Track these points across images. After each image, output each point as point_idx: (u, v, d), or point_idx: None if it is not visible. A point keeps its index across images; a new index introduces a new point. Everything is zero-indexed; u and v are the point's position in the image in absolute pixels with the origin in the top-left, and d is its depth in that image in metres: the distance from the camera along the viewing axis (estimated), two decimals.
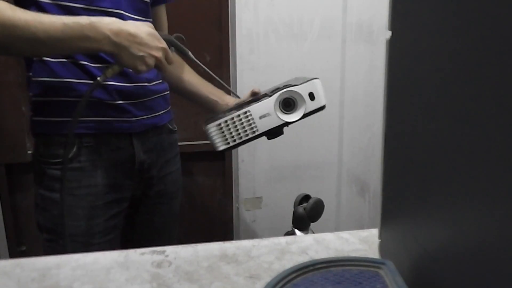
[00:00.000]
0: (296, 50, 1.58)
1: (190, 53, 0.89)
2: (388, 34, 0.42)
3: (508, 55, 0.24)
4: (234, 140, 0.83)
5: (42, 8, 0.80)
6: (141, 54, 0.76)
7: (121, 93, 0.89)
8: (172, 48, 0.85)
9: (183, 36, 0.88)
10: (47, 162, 0.89)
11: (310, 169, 1.70)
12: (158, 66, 0.81)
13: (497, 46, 0.25)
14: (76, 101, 0.86)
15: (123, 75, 0.89)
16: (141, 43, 0.76)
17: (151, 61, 0.78)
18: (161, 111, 1.00)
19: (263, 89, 0.96)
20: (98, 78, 0.79)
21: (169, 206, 1.08)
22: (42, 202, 0.90)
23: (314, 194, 1.13)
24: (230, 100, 1.03)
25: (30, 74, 0.87)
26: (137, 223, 1.07)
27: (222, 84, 1.01)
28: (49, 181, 0.89)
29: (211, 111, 1.06)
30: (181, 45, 0.87)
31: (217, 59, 1.60)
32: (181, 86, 1.09)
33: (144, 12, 0.95)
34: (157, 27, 1.07)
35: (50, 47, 0.76)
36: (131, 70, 0.80)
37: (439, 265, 0.34)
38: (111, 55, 0.79)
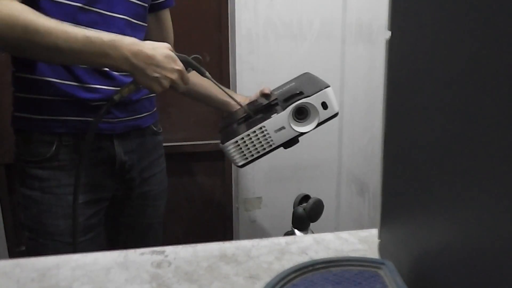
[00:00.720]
0: (295, 50, 1.58)
1: (207, 73, 0.88)
2: (388, 34, 0.42)
3: (508, 54, 0.24)
4: (252, 155, 0.86)
5: (37, 4, 0.79)
6: (156, 75, 0.77)
7: (104, 94, 0.89)
8: (189, 68, 0.85)
9: (200, 57, 0.88)
10: (26, 160, 0.89)
11: (310, 169, 1.70)
12: (174, 87, 0.82)
13: (497, 45, 0.25)
14: (58, 101, 0.86)
15: (107, 78, 0.88)
16: (157, 65, 0.77)
17: (166, 83, 0.79)
18: (145, 113, 0.99)
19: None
20: (114, 97, 0.80)
21: (154, 208, 1.08)
22: (23, 200, 0.90)
23: (314, 194, 1.13)
24: (242, 99, 1.03)
25: (14, 69, 0.87)
26: (122, 225, 1.07)
27: (233, 99, 0.99)
28: (28, 180, 0.89)
29: (223, 111, 1.07)
30: (199, 66, 0.87)
31: (216, 59, 1.60)
32: (192, 90, 1.08)
33: (142, 16, 0.95)
34: (162, 31, 1.07)
35: (68, 57, 0.76)
36: (147, 89, 0.81)
37: (439, 265, 0.34)
38: (127, 73, 0.79)
